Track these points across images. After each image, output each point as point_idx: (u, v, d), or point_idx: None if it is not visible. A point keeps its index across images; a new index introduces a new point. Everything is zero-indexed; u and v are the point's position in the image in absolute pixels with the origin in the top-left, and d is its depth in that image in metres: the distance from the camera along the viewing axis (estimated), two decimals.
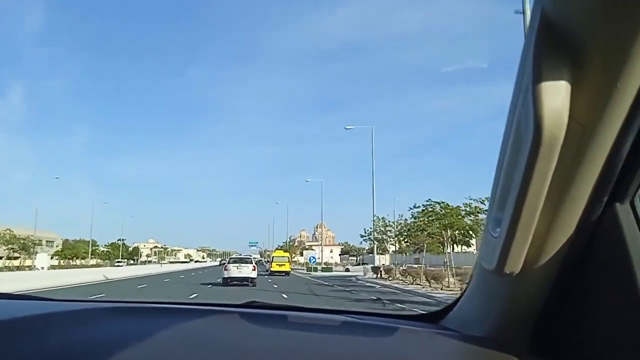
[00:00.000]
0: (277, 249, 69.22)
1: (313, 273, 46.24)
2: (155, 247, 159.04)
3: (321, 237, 63.35)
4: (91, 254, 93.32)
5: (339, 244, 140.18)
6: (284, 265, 38.78)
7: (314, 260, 52.84)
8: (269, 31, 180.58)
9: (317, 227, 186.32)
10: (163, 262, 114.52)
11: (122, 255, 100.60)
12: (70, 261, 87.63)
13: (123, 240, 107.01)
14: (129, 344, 0.89)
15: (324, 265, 54.08)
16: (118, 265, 63.70)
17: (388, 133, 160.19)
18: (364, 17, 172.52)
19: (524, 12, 13.26)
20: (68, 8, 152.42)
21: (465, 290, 1.13)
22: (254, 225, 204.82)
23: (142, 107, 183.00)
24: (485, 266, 0.85)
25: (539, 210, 0.71)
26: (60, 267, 65.25)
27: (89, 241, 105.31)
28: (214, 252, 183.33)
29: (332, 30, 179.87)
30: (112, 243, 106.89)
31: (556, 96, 0.62)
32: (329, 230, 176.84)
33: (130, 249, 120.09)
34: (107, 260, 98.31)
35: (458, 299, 1.17)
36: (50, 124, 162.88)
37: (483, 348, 0.94)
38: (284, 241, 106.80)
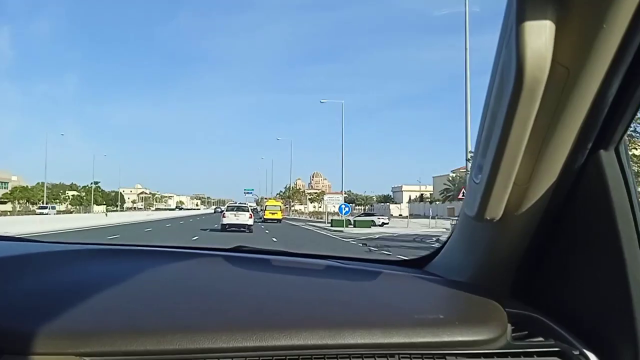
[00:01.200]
0: (276, 196, 64.73)
1: (347, 230, 28.62)
2: (143, 192, 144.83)
3: (341, 173, 45.30)
4: (52, 198, 77.44)
5: (342, 192, 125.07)
6: (276, 213, 39.93)
7: (347, 210, 32.15)
8: None
9: (313, 177, 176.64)
10: (145, 209, 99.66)
11: (95, 201, 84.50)
12: (31, 206, 71.54)
13: (96, 183, 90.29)
14: (116, 284, 0.88)
15: (358, 218, 36.00)
16: (42, 213, 43.53)
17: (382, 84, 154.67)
18: None
19: None
20: None
21: (449, 237, 1.12)
22: (249, 173, 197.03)
23: (132, 55, 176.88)
24: (467, 212, 0.83)
25: (520, 155, 0.69)
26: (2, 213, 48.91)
27: (69, 185, 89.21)
28: (209, 200, 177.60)
29: None
30: (85, 186, 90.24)
31: (539, 37, 0.60)
32: (325, 179, 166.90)
33: (112, 194, 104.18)
34: (79, 206, 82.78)
35: (442, 246, 1.16)
36: (39, 70, 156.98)
37: (465, 292, 0.93)
38: (285, 186, 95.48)
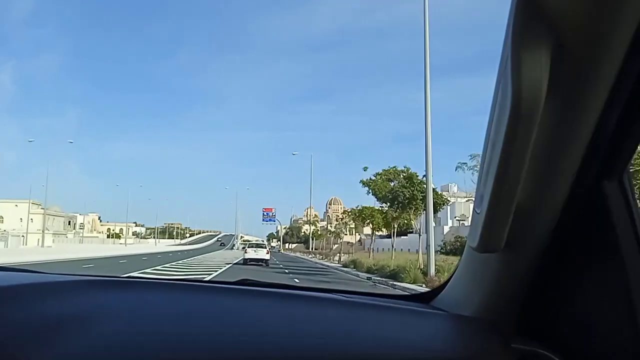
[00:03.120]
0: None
1: None
2: (93, 220, 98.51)
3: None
4: None
5: None
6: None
7: None
8: (259, 20, 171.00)
9: (330, 203, 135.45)
10: None
11: None
12: None
13: None
14: (120, 317, 0.86)
15: None
16: None
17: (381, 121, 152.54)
18: (353, 7, 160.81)
19: None
20: None
21: (455, 270, 1.08)
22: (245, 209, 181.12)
23: (130, 88, 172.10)
24: (470, 244, 0.81)
25: (520, 184, 0.67)
26: None
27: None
28: (186, 232, 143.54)
29: (322, 20, 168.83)
30: None
31: (535, 67, 0.58)
32: (344, 207, 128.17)
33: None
34: None
35: (449, 279, 1.13)
36: (39, 104, 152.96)
37: (469, 328, 0.91)
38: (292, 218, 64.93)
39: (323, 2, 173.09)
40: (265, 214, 74.56)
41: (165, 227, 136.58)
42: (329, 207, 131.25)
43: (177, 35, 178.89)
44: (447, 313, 1.01)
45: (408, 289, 13.22)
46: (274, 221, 77.60)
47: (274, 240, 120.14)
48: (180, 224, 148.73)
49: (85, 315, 0.83)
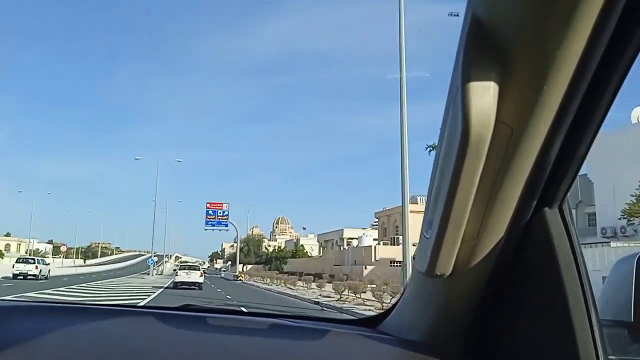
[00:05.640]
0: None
1: None
2: None
3: None
4: None
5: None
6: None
7: None
8: (203, 41, 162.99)
9: (278, 222, 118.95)
10: None
11: None
12: None
13: None
14: (50, 344, 0.82)
15: None
16: None
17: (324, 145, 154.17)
18: (298, 31, 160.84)
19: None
20: None
21: (402, 294, 1.06)
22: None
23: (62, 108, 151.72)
24: (418, 268, 0.81)
25: (468, 211, 0.67)
26: None
27: None
28: (115, 250, 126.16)
29: (264, 44, 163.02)
30: None
31: (484, 97, 0.60)
32: (292, 227, 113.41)
33: None
34: None
35: (396, 303, 1.10)
36: None
37: (416, 353, 0.89)
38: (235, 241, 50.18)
39: (268, 26, 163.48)
40: (210, 213, 46.94)
41: (87, 247, 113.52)
42: (276, 227, 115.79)
43: (116, 53, 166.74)
44: (393, 337, 0.99)
45: None
46: (227, 226, 48.49)
47: (219, 260, 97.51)
48: (109, 244, 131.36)
49: (14, 343, 0.79)
